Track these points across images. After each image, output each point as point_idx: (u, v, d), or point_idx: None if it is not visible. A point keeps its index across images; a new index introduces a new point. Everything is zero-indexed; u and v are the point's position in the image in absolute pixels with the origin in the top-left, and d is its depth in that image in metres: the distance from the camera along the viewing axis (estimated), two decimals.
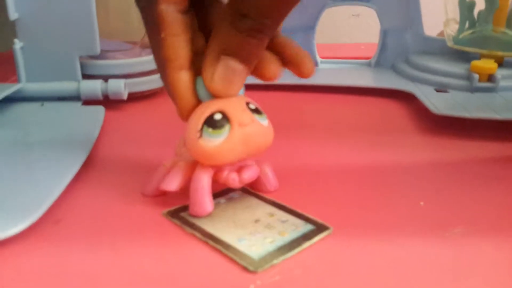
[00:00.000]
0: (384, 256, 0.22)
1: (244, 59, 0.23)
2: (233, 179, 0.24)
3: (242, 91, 0.25)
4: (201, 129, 0.23)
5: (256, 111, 0.24)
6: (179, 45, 0.23)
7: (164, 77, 0.24)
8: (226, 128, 0.23)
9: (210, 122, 0.23)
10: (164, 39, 0.23)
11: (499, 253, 0.22)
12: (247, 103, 0.24)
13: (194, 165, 0.25)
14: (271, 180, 0.27)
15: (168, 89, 0.24)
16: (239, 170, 0.25)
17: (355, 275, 0.20)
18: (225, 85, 0.23)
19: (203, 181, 0.24)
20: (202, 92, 0.24)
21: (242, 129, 0.23)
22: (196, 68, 0.24)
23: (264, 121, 0.24)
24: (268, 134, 0.25)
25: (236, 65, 0.23)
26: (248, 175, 0.25)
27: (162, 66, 0.24)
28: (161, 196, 0.26)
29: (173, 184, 0.25)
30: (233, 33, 0.22)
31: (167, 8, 0.22)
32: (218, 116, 0.23)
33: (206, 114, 0.23)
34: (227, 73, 0.23)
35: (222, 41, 0.23)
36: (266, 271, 0.20)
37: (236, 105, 0.24)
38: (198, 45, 0.24)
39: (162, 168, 0.26)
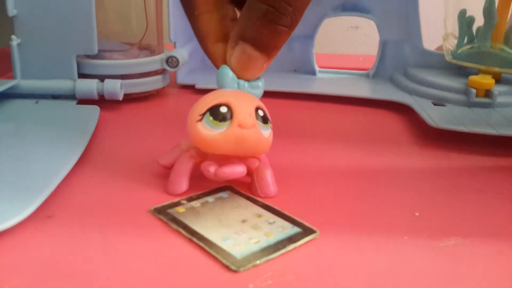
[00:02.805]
0: (376, 265, 0.21)
1: (259, 47, 0.24)
2: (208, 171, 0.25)
3: (261, 91, 0.26)
4: (203, 114, 0.23)
5: (263, 119, 0.25)
6: (211, 21, 0.25)
7: (203, 49, 0.26)
8: (226, 123, 0.23)
9: (214, 112, 0.23)
10: (198, 15, 0.25)
11: (493, 265, 0.22)
12: (257, 108, 0.25)
13: (201, 158, 0.26)
14: (266, 186, 0.26)
15: (209, 59, 0.27)
16: (224, 164, 0.25)
17: (347, 283, 0.20)
18: (241, 69, 0.24)
19: (185, 164, 0.25)
20: (221, 80, 0.25)
21: (239, 131, 0.23)
22: None
23: (266, 131, 0.25)
24: (264, 144, 0.25)
25: (252, 52, 0.24)
26: (225, 172, 0.25)
27: (200, 39, 0.26)
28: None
29: (167, 161, 0.27)
30: (249, 19, 0.23)
31: None
32: (223, 109, 0.23)
33: (214, 102, 0.24)
34: (242, 58, 0.24)
35: (241, 26, 0.24)
36: (251, 274, 0.20)
37: (246, 105, 0.24)
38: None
39: (178, 149, 0.27)
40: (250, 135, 0.24)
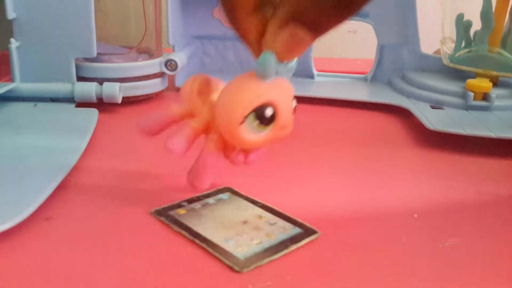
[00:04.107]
0: (374, 265, 0.21)
1: (315, 30, 0.20)
2: (239, 161, 0.24)
3: (293, 71, 0.23)
4: (246, 116, 0.22)
5: (294, 110, 0.24)
6: None
7: (231, 21, 0.22)
8: (270, 126, 0.22)
9: (260, 116, 0.22)
10: None
11: (491, 266, 0.22)
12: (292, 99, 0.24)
13: (206, 128, 0.24)
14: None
15: (238, 34, 0.23)
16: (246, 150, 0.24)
17: (345, 283, 0.20)
18: (286, 52, 0.21)
19: (212, 158, 0.24)
20: (264, 69, 0.21)
21: (280, 131, 0.23)
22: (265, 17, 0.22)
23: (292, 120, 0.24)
24: (289, 134, 0.24)
25: (303, 34, 0.20)
26: (254, 159, 0.25)
27: (230, 8, 0.22)
28: (152, 136, 0.26)
29: (181, 145, 0.24)
30: (311, 3, 0.20)
31: None
32: (269, 112, 0.22)
33: (259, 102, 0.22)
34: (291, 41, 0.21)
35: (296, 6, 0.20)
36: (255, 275, 0.20)
37: (287, 103, 0.23)
38: None
39: (166, 113, 0.25)
40: (287, 133, 0.23)
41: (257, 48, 0.22)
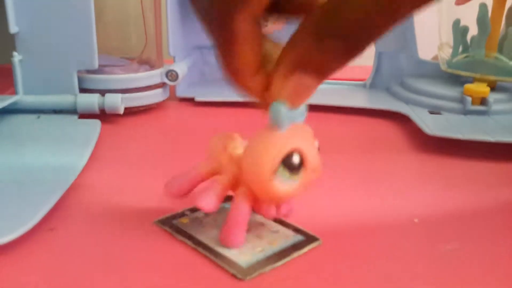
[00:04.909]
0: (375, 271, 0.22)
1: (321, 76, 0.21)
2: (272, 215, 0.24)
3: (304, 112, 0.23)
4: (276, 169, 0.21)
5: (319, 149, 0.24)
6: (253, 49, 0.21)
7: (235, 83, 0.23)
8: (302, 172, 0.22)
9: (289, 165, 0.22)
10: (237, 50, 0.21)
11: (491, 270, 0.22)
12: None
13: (233, 183, 0.24)
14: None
15: (243, 92, 0.23)
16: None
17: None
18: (295, 100, 0.21)
19: (245, 214, 0.23)
20: (277, 119, 0.22)
21: (313, 175, 0.23)
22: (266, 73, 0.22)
23: None
24: (320, 174, 0.24)
25: (310, 81, 0.21)
26: (287, 211, 0.24)
27: (233, 73, 0.22)
28: (183, 197, 0.25)
29: (211, 204, 0.23)
30: (315, 50, 0.20)
31: (245, 20, 0.21)
32: (296, 160, 0.22)
33: (283, 153, 0.22)
34: (299, 89, 0.21)
35: (299, 55, 0.20)
36: (258, 283, 0.20)
37: (310, 144, 0.23)
38: (267, 49, 0.22)
39: (194, 172, 0.25)
40: (318, 175, 0.23)
41: (264, 101, 0.22)
